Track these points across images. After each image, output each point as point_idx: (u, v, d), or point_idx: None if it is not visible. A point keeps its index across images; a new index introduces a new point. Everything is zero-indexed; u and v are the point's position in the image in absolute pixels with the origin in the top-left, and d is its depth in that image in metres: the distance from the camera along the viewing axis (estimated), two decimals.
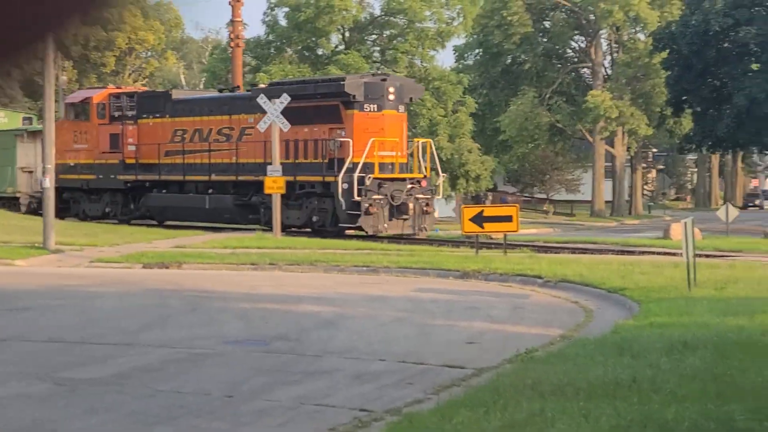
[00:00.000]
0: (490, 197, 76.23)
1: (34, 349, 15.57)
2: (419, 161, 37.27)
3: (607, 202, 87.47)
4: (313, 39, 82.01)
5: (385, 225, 34.25)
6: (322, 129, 35.79)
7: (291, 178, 36.21)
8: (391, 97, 35.60)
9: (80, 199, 44.39)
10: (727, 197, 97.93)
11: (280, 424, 10.82)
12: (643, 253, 32.73)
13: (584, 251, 33.53)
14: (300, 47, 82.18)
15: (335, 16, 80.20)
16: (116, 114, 42.08)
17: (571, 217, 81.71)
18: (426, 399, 11.68)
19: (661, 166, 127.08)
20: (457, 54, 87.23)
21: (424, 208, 35.72)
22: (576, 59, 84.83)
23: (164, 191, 40.54)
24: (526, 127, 69.52)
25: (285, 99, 36.94)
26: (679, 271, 22.70)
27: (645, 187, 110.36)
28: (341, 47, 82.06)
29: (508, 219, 31.82)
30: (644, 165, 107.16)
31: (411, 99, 38.79)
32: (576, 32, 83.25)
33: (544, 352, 13.98)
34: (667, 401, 9.97)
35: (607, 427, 8.90)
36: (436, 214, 39.07)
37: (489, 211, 32.55)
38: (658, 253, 31.94)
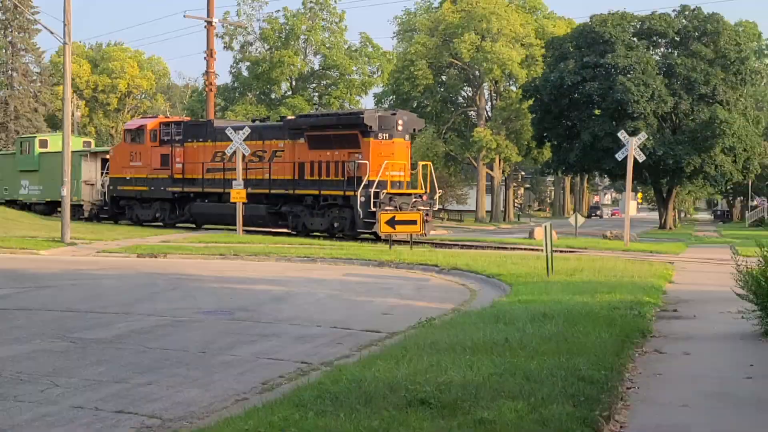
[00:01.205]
0: None
1: (54, 316, 15.50)
2: (420, 180, 37.04)
3: (487, 211, 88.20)
4: (268, 86, 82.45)
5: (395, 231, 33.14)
6: (343, 153, 35.10)
7: (316, 192, 36.01)
8: (400, 128, 35.20)
9: (134, 206, 43.83)
10: (576, 208, 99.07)
11: (241, 372, 10.83)
12: (513, 249, 33.00)
13: (470, 247, 33.74)
14: (258, 92, 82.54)
15: (285, 69, 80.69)
16: (165, 138, 41.66)
17: (461, 222, 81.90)
18: (351, 354, 11.75)
19: (528, 185, 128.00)
20: (376, 99, 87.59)
21: (425, 218, 34.87)
22: (465, 104, 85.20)
23: (206, 201, 39.95)
24: (428, 154, 69.37)
25: (246, 131, 36.69)
26: (540, 262, 22.96)
27: (515, 200, 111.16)
28: (289, 93, 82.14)
29: (413, 222, 32.19)
30: (515, 184, 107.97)
31: (414, 130, 38.08)
32: (465, 84, 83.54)
33: (440, 321, 14.09)
34: (531, 356, 10.09)
35: (486, 374, 8.98)
36: None
37: (400, 217, 32.77)
38: (525, 249, 32.20)
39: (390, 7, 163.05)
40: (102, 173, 47.07)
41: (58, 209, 46.22)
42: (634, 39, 65.52)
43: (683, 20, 66.72)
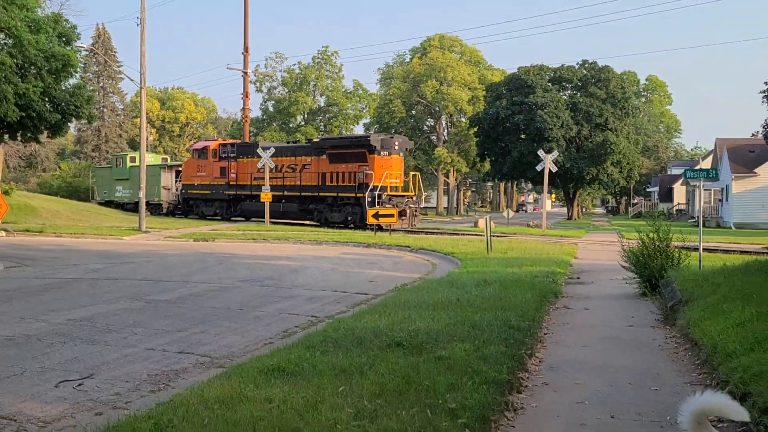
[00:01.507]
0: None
1: (133, 284, 15.39)
2: (411, 185, 36.79)
3: (444, 207, 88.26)
4: (287, 118, 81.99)
5: (396, 222, 34.39)
6: (354, 166, 35.08)
7: (335, 194, 36.03)
8: (396, 147, 35.46)
9: (200, 204, 44.15)
10: (508, 205, 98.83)
11: (268, 324, 10.81)
12: (463, 234, 32.97)
13: (432, 233, 33.66)
14: (280, 122, 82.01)
15: (299, 106, 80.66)
16: (223, 155, 41.94)
17: (425, 216, 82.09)
18: (347, 310, 11.74)
19: (473, 188, 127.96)
20: (365, 127, 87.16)
21: (414, 213, 35.74)
22: (428, 131, 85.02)
23: (254, 201, 39.42)
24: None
25: (270, 150, 36.57)
26: (482, 244, 23.01)
27: (465, 199, 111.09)
28: (302, 123, 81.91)
29: (391, 216, 32.37)
30: (464, 187, 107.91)
31: (407, 149, 38.17)
32: (429, 116, 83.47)
33: (411, 286, 14.07)
34: (475, 311, 10.10)
35: (444, 324, 8.98)
36: None
37: (382, 211, 33.02)
38: (471, 235, 32.20)
39: (375, 61, 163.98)
40: (176, 181, 47.53)
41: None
42: (549, 84, 65.59)
43: (584, 71, 66.83)
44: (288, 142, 47.15)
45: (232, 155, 41.49)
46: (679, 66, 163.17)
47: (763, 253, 18.51)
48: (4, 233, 30.58)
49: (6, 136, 32.22)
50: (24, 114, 28.44)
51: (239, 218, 42.11)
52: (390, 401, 5.79)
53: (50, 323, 10.66)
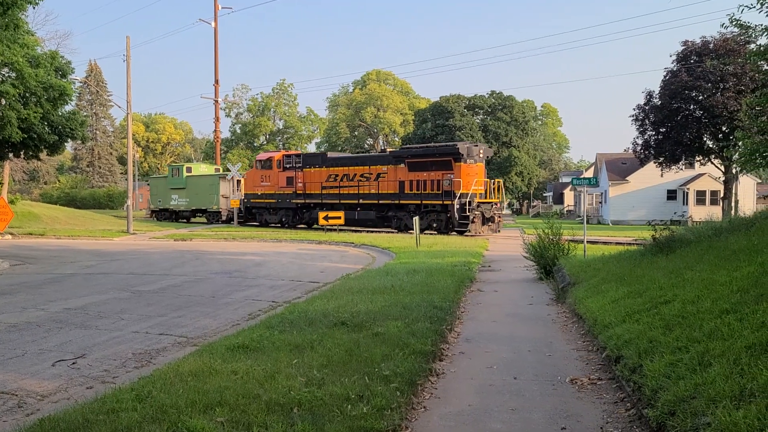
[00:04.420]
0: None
1: (121, 277, 14.96)
2: (495, 192, 31.32)
3: None
4: (252, 139, 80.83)
5: (481, 230, 29.00)
6: (437, 174, 29.71)
7: (418, 202, 30.41)
8: (481, 154, 30.33)
9: (263, 213, 37.65)
10: None
11: (235, 308, 10.61)
12: (397, 232, 32.98)
13: (372, 232, 33.58)
14: (246, 142, 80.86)
15: (262, 129, 79.60)
16: (287, 165, 36.05)
17: None
18: (302, 296, 11.63)
19: None
20: (317, 146, 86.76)
21: (497, 220, 30.29)
22: (369, 149, 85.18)
23: (325, 209, 33.87)
24: None
25: (238, 165, 35.26)
26: (413, 240, 23.09)
27: None
28: (265, 143, 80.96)
29: (339, 218, 31.72)
30: None
31: (488, 156, 31.96)
32: (369, 137, 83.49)
33: (355, 275, 14.00)
34: (406, 294, 10.11)
35: (380, 306, 8.97)
36: None
37: (330, 214, 32.11)
38: (405, 233, 32.24)
39: (324, 91, 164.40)
40: (236, 190, 41.35)
41: (198, 215, 43.14)
42: (465, 110, 66.22)
43: (492, 99, 67.75)
44: (358, 152, 40.92)
45: (298, 165, 35.68)
46: (567, 95, 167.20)
47: (633, 244, 19.00)
48: (9, 236, 29.52)
49: (11, 155, 31.29)
50: (26, 136, 27.76)
51: (302, 226, 36.66)
52: (335, 370, 5.75)
53: (48, 312, 10.29)
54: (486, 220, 29.68)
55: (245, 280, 14.51)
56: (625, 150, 41.83)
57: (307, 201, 35.15)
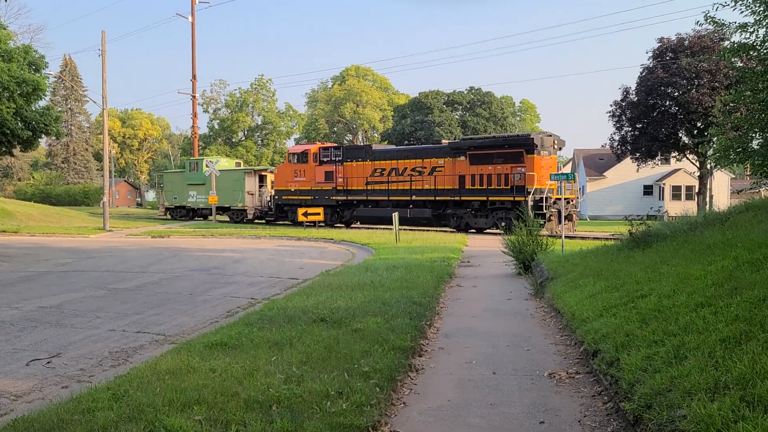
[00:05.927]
0: None
1: (98, 275, 14.78)
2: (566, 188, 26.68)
3: None
4: (230, 135, 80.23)
5: (557, 228, 24.84)
6: (505, 167, 26.44)
7: (484, 198, 27.14)
8: (554, 146, 27.16)
9: (296, 210, 33.25)
10: None
11: (214, 306, 10.55)
12: (377, 228, 32.96)
13: (352, 228, 33.52)
14: (224, 138, 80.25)
15: (240, 125, 79.03)
16: (325, 159, 32.56)
17: None
18: (281, 293, 11.58)
19: None
20: (295, 142, 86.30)
21: (575, 218, 27.23)
22: (349, 144, 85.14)
23: (369, 207, 31.21)
24: None
25: (216, 162, 34.79)
26: (392, 236, 23.11)
27: None
28: (243, 139, 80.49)
29: (318, 213, 31.62)
30: None
31: (560, 147, 28.14)
32: (348, 132, 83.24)
33: (334, 271, 13.99)
34: (386, 291, 10.11)
35: (360, 302, 8.96)
36: None
37: (310, 210, 31.93)
38: (384, 229, 32.13)
39: (303, 87, 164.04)
40: (260, 186, 38.44)
41: (219, 213, 39.53)
42: (444, 106, 66.43)
43: (471, 95, 68.00)
44: (407, 143, 37.32)
45: (337, 159, 32.30)
46: (545, 91, 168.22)
47: (610, 239, 19.21)
48: None
49: None
50: None
51: (339, 224, 33.54)
52: (314, 367, 5.73)
53: (22, 310, 10.12)
54: (564, 218, 26.38)
55: (224, 277, 14.41)
56: (602, 146, 42.07)
57: (349, 198, 31.97)
